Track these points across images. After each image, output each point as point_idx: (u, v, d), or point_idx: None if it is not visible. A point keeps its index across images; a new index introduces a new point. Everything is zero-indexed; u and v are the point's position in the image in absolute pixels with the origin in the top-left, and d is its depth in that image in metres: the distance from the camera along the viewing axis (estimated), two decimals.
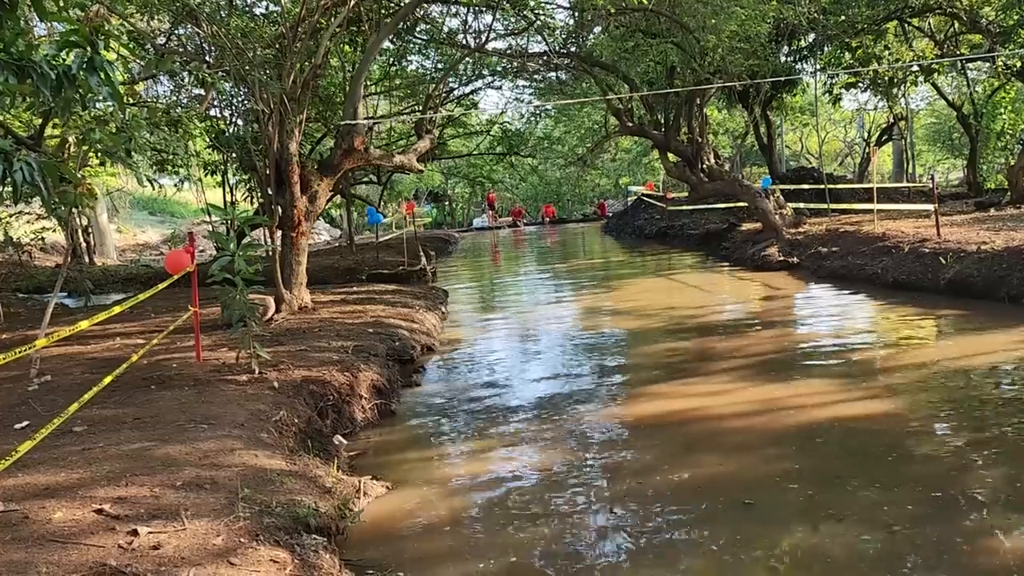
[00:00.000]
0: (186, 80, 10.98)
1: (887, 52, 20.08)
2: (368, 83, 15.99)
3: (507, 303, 13.88)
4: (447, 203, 45.31)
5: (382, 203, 26.69)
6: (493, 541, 4.27)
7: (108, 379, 5.27)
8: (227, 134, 11.82)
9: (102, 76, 4.04)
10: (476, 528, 4.46)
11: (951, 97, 24.73)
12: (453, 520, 4.56)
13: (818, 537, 4.00)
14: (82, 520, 3.70)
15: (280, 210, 9.98)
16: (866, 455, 5.06)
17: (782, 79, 19.05)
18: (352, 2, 10.09)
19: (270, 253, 10.03)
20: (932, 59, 19.75)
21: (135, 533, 3.57)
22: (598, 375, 7.80)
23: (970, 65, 21.98)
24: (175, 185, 16.28)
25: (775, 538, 4.03)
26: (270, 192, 10.02)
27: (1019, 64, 16.06)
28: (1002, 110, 21.11)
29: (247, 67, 9.14)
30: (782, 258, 14.65)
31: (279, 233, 10.23)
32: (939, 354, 7.48)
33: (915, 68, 20.18)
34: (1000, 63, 16.78)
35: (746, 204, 17.68)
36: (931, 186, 13.55)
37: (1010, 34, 15.61)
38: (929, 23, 20.03)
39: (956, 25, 19.16)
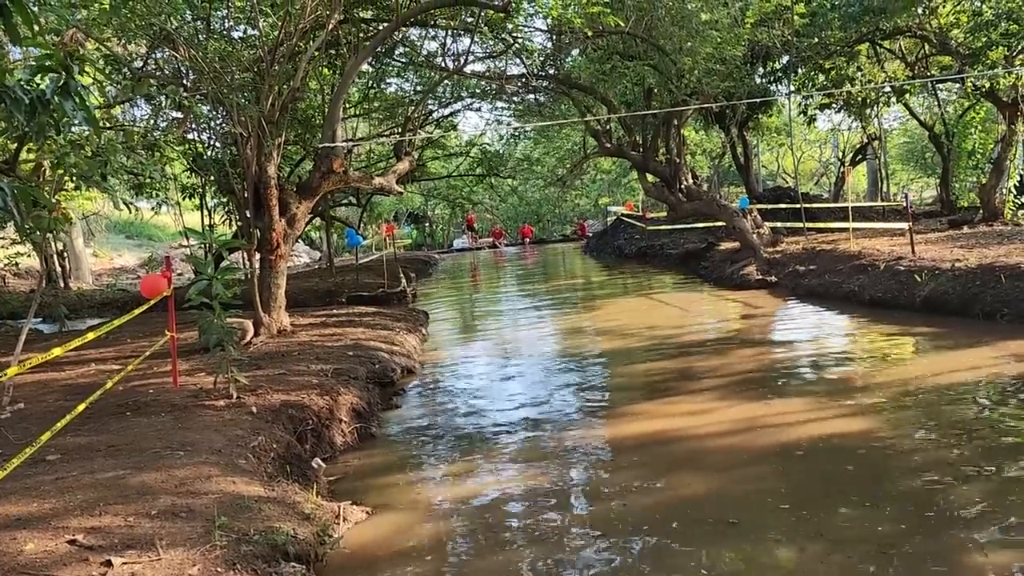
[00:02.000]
0: (163, 104, 10.94)
1: (860, 73, 20.43)
2: (347, 105, 16.01)
3: (487, 324, 13.86)
4: (427, 224, 45.30)
5: (362, 225, 26.61)
6: (475, 566, 4.23)
7: (82, 406, 5.19)
8: (205, 157, 11.77)
9: (76, 101, 4.02)
10: (458, 553, 4.42)
11: (923, 117, 25.16)
12: (434, 545, 4.52)
13: (807, 556, 4.00)
14: (55, 551, 3.62)
15: (258, 233, 9.93)
16: (848, 473, 5.09)
17: (758, 100, 19.30)
18: (331, 26, 10.12)
19: (248, 276, 9.96)
20: (904, 80, 20.11)
21: (109, 564, 3.50)
22: (579, 395, 7.79)
23: (941, 86, 22.39)
24: (152, 209, 16.16)
25: (763, 558, 4.02)
26: (248, 215, 9.96)
27: (988, 85, 16.37)
28: (972, 130, 21.47)
29: (225, 90, 9.12)
30: (760, 277, 14.77)
31: (257, 256, 10.16)
32: (916, 371, 7.55)
33: (887, 89, 20.53)
34: (969, 84, 17.08)
35: (724, 224, 17.83)
36: (905, 204, 13.74)
37: (978, 56, 15.92)
38: (900, 45, 20.40)
39: (926, 47, 19.55)
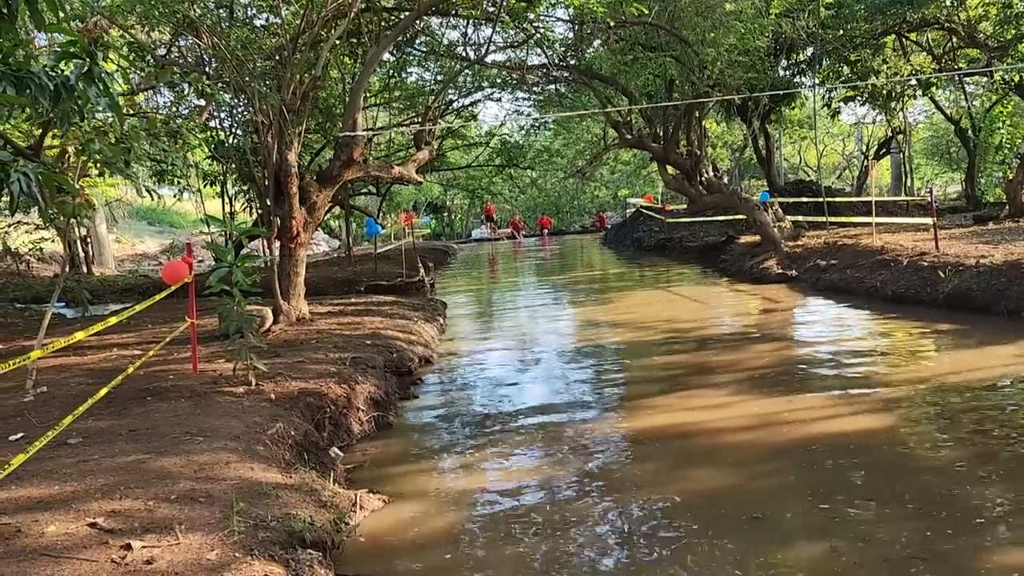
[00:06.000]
0: (186, 91, 10.99)
1: (885, 66, 20.16)
2: (367, 95, 16.01)
3: (505, 315, 13.86)
4: (446, 214, 45.36)
5: (381, 214, 26.68)
6: (492, 556, 4.23)
7: (104, 391, 5.24)
8: (226, 145, 11.81)
9: (100, 87, 4.04)
10: (474, 543, 4.42)
11: (949, 111, 24.82)
12: (451, 534, 4.52)
13: (839, 555, 3.93)
14: (75, 534, 3.66)
15: (278, 221, 9.97)
16: (874, 471, 5.01)
17: (781, 92, 19.11)
18: (352, 14, 10.12)
19: (268, 264, 10.01)
20: (930, 73, 19.83)
21: (128, 547, 3.53)
22: (597, 388, 7.77)
23: (968, 79, 22.07)
24: (174, 196, 16.28)
25: (793, 555, 3.97)
26: (269, 203, 10.01)
27: (1017, 78, 16.13)
28: (1000, 124, 21.18)
29: (247, 78, 9.15)
30: (780, 271, 14.64)
31: (277, 244, 10.21)
32: (938, 369, 7.46)
33: (913, 82, 20.25)
34: (998, 77, 16.85)
35: (745, 217, 17.69)
36: (929, 200, 13.57)
37: (1007, 49, 15.67)
38: (927, 38, 20.13)
39: (954, 40, 19.26)
